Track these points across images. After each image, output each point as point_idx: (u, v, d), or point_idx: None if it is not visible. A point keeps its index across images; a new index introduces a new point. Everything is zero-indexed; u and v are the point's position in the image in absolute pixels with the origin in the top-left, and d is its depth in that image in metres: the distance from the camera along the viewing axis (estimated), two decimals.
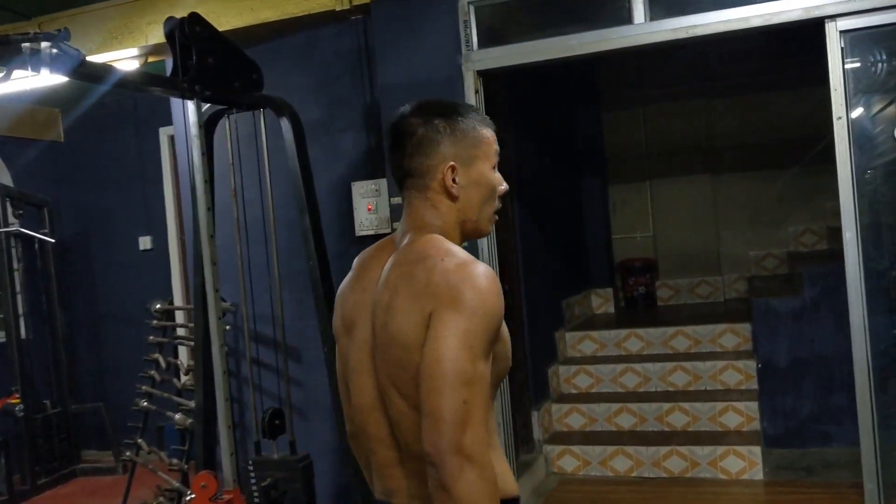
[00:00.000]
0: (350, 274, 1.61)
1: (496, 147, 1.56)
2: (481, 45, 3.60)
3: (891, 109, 3.16)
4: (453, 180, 1.48)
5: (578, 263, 6.60)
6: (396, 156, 1.51)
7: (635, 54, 3.69)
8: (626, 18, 3.36)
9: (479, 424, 1.30)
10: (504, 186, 1.58)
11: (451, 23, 3.57)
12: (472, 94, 3.54)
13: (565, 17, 3.55)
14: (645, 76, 6.66)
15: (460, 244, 1.53)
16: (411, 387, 1.37)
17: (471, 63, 3.57)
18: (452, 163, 1.48)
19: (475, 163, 1.51)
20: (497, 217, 1.60)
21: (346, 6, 3.77)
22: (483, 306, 1.34)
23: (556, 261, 5.84)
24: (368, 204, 3.79)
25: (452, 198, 1.50)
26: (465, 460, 1.27)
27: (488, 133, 1.54)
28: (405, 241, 1.49)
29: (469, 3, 3.58)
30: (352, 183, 3.90)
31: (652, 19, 3.31)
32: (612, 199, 6.98)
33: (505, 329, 1.46)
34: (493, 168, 1.54)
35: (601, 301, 6.64)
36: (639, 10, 3.33)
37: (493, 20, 3.65)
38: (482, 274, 1.38)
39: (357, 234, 3.87)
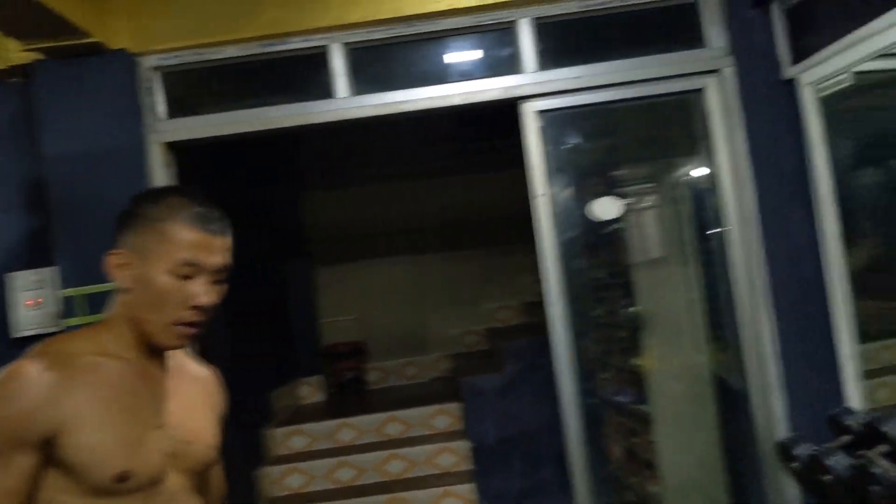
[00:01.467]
0: None
1: (191, 254, 1.35)
2: (172, 114, 3.21)
3: (583, 185, 3.32)
4: (118, 266, 1.40)
5: (285, 351, 6.22)
6: None
7: (337, 133, 3.53)
8: (328, 92, 3.20)
9: None
10: (200, 300, 1.36)
11: (132, 89, 3.14)
12: (160, 167, 3.12)
13: (266, 89, 3.29)
14: (348, 157, 6.61)
15: (142, 343, 1.41)
16: None
17: (157, 134, 3.15)
18: (113, 251, 1.41)
19: (149, 259, 1.38)
20: (190, 330, 1.37)
21: (2, 67, 3.18)
22: None
23: (262, 350, 5.42)
24: (29, 298, 3.13)
25: (123, 289, 1.42)
26: None
27: (184, 235, 1.36)
28: None
29: (154, 67, 3.19)
30: (4, 275, 3.20)
31: (357, 94, 3.18)
32: (318, 282, 6.77)
33: (91, 433, 1.32)
34: (174, 272, 1.37)
35: (310, 390, 6.31)
36: (341, 84, 3.18)
37: (185, 88, 3.27)
38: (3, 377, 1.32)
39: (14, 336, 3.16)
